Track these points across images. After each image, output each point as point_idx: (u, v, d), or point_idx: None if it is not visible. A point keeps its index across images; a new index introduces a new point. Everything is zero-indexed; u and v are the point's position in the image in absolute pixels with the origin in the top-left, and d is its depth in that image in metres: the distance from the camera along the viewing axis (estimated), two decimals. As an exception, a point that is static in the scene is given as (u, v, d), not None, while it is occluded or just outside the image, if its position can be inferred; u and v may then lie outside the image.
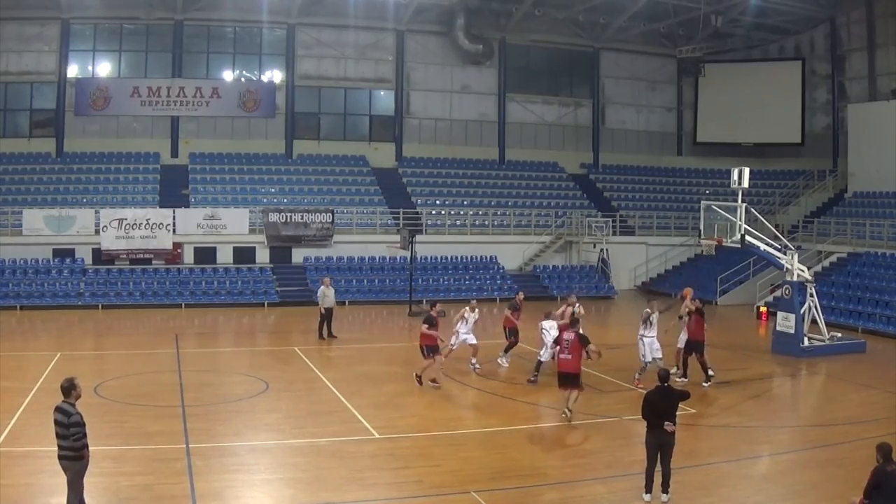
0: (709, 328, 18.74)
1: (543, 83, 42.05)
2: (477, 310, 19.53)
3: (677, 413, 11.11)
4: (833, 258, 31.75)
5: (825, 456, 13.17)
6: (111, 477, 11.36)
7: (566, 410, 14.75)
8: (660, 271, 37.22)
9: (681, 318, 18.41)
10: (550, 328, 17.80)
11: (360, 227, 34.72)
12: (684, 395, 11.60)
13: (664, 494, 10.87)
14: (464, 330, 18.97)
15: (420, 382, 17.33)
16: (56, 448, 9.45)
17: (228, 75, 38.31)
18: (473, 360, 19.08)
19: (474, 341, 19.02)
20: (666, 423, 10.80)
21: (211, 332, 25.89)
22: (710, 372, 18.08)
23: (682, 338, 18.55)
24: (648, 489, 10.91)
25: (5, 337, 22.75)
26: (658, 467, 10.90)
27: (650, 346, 17.60)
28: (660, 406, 10.94)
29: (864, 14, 37.70)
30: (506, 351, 19.78)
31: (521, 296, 20.73)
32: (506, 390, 17.46)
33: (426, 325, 17.17)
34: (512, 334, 19.73)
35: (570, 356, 14.79)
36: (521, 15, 38.60)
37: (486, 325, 28.47)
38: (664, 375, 11.22)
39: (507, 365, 19.56)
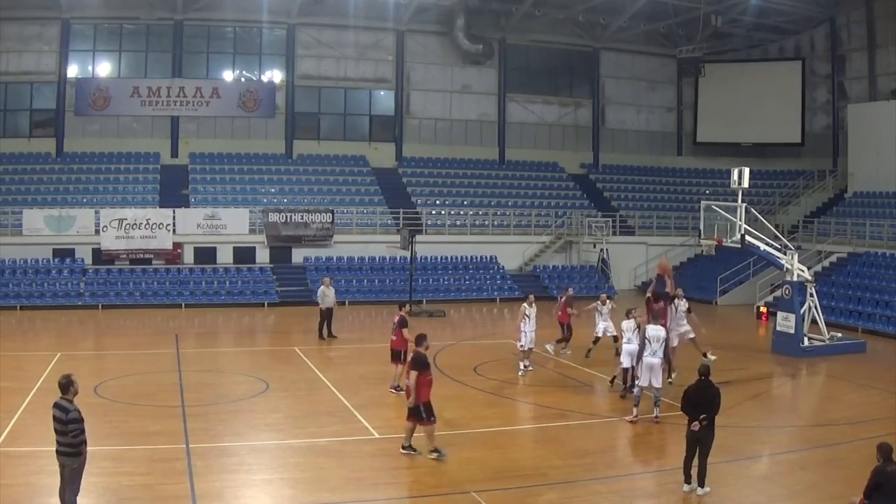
0: (706, 331, 19.03)
1: (543, 83, 42.04)
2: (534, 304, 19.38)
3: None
4: (833, 258, 31.74)
5: (825, 456, 13.17)
6: (111, 477, 11.37)
7: (406, 447, 12.71)
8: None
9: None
10: (628, 329, 16.16)
11: (360, 227, 34.71)
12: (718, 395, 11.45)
13: (700, 488, 11.12)
14: (529, 328, 18.89)
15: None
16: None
17: (228, 75, 38.30)
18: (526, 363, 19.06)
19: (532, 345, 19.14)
20: (695, 421, 10.97)
21: (211, 332, 25.86)
22: None
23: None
24: (687, 480, 11.23)
25: (5, 337, 22.73)
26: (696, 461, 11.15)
27: (651, 369, 14.40)
28: (693, 398, 11.19)
29: (864, 14, 37.67)
30: (557, 342, 20.78)
31: (570, 291, 21.74)
32: (506, 390, 17.45)
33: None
34: (567, 329, 20.82)
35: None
36: (521, 15, 38.58)
37: (485, 322, 28.54)
38: (704, 371, 11.36)
39: (551, 352, 20.54)
